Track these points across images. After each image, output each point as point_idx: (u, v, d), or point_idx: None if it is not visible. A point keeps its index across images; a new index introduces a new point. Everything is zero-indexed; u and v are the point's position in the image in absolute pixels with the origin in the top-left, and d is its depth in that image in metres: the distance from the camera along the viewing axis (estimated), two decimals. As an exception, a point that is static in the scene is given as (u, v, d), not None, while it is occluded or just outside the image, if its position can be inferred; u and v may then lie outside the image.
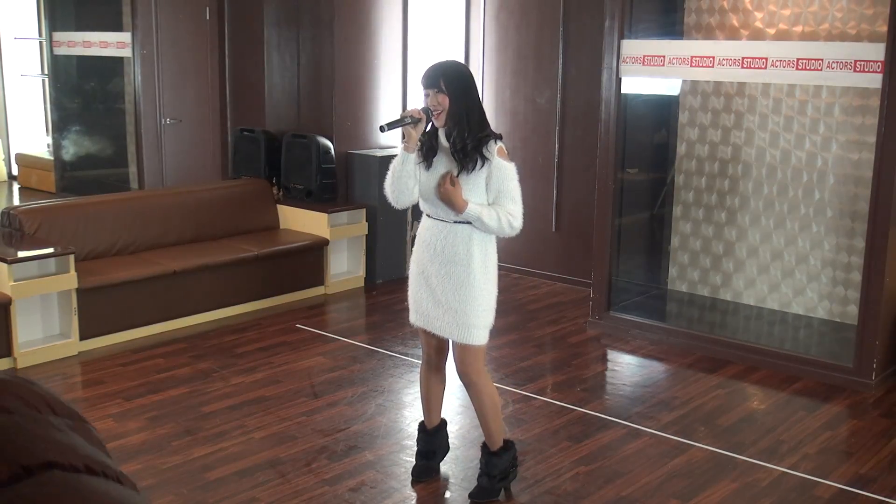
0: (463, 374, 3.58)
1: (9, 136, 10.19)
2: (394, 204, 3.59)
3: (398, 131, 3.51)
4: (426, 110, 3.40)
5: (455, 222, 3.44)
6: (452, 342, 3.57)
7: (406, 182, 3.47)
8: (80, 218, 5.75)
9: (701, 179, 6.14)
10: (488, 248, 3.51)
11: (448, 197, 3.38)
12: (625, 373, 5.20)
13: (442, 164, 3.45)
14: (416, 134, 3.41)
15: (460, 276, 3.46)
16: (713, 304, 6.16)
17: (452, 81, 3.41)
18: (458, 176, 3.39)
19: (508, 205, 3.41)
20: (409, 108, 7.13)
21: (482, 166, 3.39)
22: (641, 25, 5.65)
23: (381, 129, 3.44)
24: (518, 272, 6.88)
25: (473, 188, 3.40)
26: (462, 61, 3.67)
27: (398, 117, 3.43)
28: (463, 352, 3.53)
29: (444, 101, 3.39)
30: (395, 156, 3.54)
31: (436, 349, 3.69)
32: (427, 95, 3.43)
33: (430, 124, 3.47)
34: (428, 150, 3.48)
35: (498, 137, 3.45)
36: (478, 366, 3.55)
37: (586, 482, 3.79)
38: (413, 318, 3.64)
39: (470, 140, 3.37)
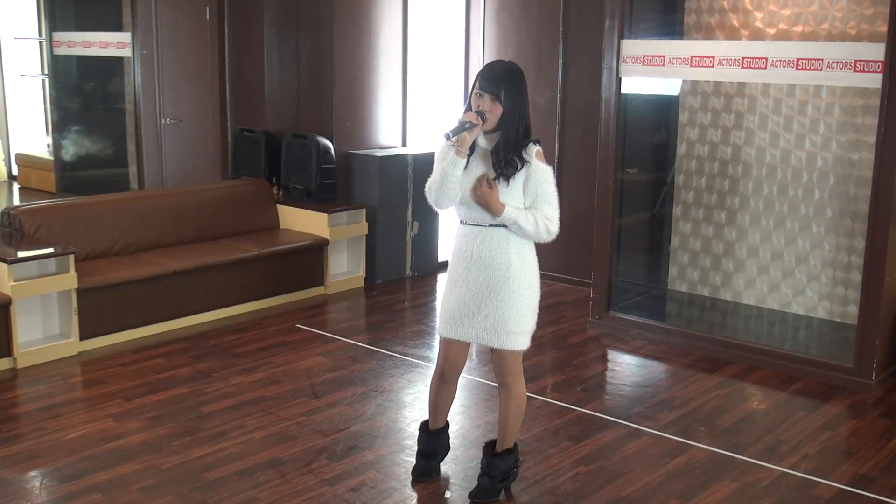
0: (499, 376, 3.58)
1: (9, 136, 10.18)
2: (434, 206, 3.47)
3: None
4: (481, 114, 3.30)
5: (491, 226, 3.39)
6: (490, 347, 3.52)
7: (453, 187, 3.36)
8: (80, 218, 5.75)
9: (701, 179, 6.14)
10: (526, 251, 3.45)
11: (484, 199, 3.32)
12: (625, 373, 5.20)
13: (478, 165, 3.39)
14: (470, 139, 3.31)
15: (497, 281, 3.40)
16: (713, 304, 6.16)
17: (512, 92, 3.32)
18: (494, 179, 3.34)
19: (546, 209, 3.36)
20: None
21: (520, 169, 3.34)
22: (641, 25, 5.65)
23: (447, 136, 3.29)
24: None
25: (511, 191, 3.35)
26: (517, 63, 3.52)
27: (458, 124, 3.29)
28: (500, 357, 3.51)
29: (497, 110, 3.31)
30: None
31: (451, 366, 3.64)
32: (480, 95, 3.33)
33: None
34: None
35: (536, 141, 3.39)
36: (515, 370, 3.53)
37: (586, 482, 3.79)
38: (442, 328, 3.56)
39: (514, 150, 3.32)
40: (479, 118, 3.30)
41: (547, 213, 3.36)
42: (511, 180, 3.34)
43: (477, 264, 3.43)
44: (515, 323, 3.43)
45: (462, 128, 3.29)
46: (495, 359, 3.56)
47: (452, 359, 3.62)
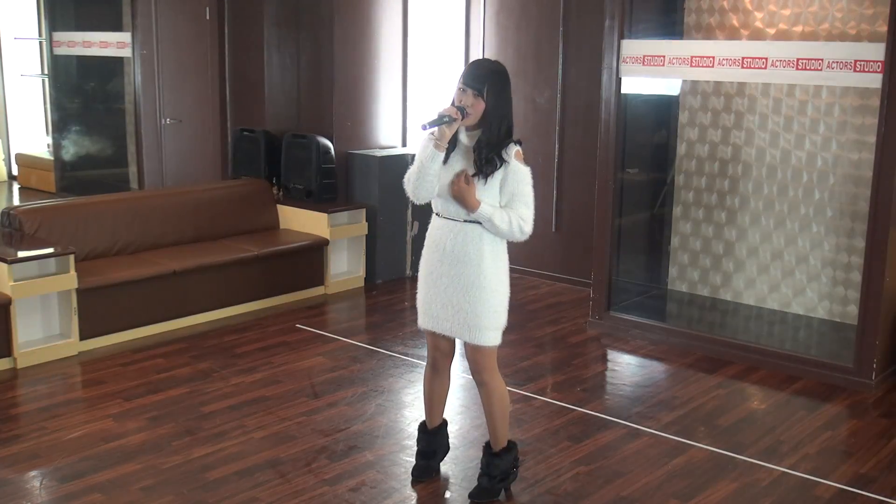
0: (475, 373, 3.59)
1: (9, 136, 10.19)
2: (412, 198, 3.49)
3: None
4: (461, 109, 3.32)
5: (465, 221, 3.42)
6: (464, 343, 3.55)
7: (431, 180, 3.39)
8: (80, 218, 5.75)
9: (701, 179, 6.14)
10: (499, 248, 3.48)
11: (461, 195, 3.35)
12: (625, 373, 5.20)
13: (458, 161, 3.41)
14: (449, 133, 3.33)
15: (470, 276, 3.43)
16: (713, 304, 6.16)
17: (496, 90, 3.35)
18: (473, 175, 3.36)
19: (521, 209, 3.38)
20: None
21: (499, 167, 3.36)
22: (641, 25, 5.65)
23: (423, 127, 3.32)
24: (518, 272, 6.87)
25: (488, 189, 3.37)
26: (501, 62, 3.53)
27: (436, 116, 3.32)
28: (475, 353, 3.53)
29: (479, 107, 3.33)
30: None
31: (442, 353, 3.67)
32: (463, 91, 3.35)
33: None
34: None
35: (517, 142, 3.41)
36: (490, 366, 3.55)
37: (586, 482, 3.79)
38: (421, 321, 3.61)
39: (495, 149, 3.35)
40: (459, 113, 3.31)
41: (521, 214, 3.38)
42: (489, 178, 3.36)
43: (450, 258, 3.46)
44: (487, 319, 3.46)
45: (441, 120, 3.31)
46: (470, 356, 3.58)
47: (442, 347, 3.65)
